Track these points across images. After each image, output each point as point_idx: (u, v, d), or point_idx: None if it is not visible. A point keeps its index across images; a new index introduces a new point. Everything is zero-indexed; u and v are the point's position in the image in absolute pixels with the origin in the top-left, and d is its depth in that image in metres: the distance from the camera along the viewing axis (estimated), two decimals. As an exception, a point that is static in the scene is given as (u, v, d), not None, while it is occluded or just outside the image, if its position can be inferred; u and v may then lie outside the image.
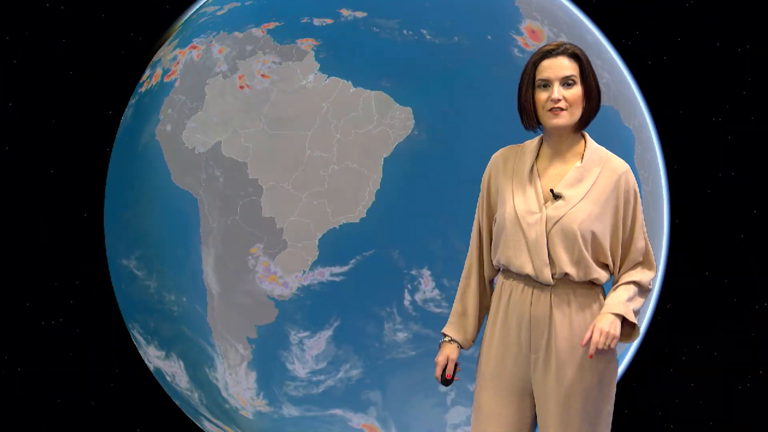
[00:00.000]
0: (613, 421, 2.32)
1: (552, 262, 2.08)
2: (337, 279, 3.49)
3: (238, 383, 3.66)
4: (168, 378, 3.90)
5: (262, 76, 3.60)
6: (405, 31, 3.55)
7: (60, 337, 4.17)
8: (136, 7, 4.20)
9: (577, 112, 2.11)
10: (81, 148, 4.20)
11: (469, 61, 3.59)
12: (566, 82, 2.08)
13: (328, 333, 3.55)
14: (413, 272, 3.43)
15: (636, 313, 2.09)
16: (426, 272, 3.42)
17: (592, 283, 2.14)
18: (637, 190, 2.15)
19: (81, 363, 4.16)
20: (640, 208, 2.14)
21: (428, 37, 3.56)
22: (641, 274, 2.14)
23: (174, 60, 3.94)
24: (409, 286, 3.47)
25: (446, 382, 2.33)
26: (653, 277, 2.16)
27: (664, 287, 4.26)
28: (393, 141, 3.48)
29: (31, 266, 4.19)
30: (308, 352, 3.55)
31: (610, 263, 2.14)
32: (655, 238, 4.13)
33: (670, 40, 4.33)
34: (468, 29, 3.61)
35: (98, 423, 4.24)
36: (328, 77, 3.54)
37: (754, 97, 4.33)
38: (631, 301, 2.07)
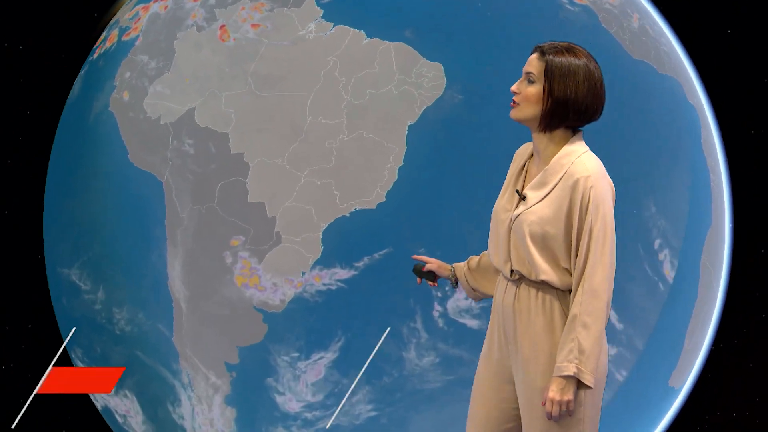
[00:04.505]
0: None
1: (510, 259, 2.30)
2: (344, 284, 3.39)
3: (211, 423, 3.54)
4: (119, 419, 3.74)
5: (250, 26, 3.50)
6: (433, -29, 3.64)
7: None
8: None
9: (528, 110, 2.26)
10: (21, 132, 4.10)
11: (510, 9, 3.55)
12: (528, 78, 2.26)
13: (330, 356, 3.45)
14: (445, 274, 3.14)
15: (592, 354, 2.19)
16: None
17: (549, 285, 2.26)
18: (601, 201, 2.22)
19: (7, 400, 3.94)
20: (600, 221, 2.21)
21: (463, -22, 3.66)
22: (578, 306, 2.21)
23: (135, 17, 3.80)
24: (438, 293, 3.39)
25: (418, 271, 2.57)
26: (597, 307, 2.20)
27: (730, 286, 4.20)
28: (419, 105, 3.41)
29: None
30: (304, 380, 3.45)
31: (570, 269, 2.26)
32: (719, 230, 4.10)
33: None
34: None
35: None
36: (334, 26, 3.45)
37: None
38: (582, 351, 2.18)
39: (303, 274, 3.39)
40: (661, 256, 3.62)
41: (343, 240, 3.39)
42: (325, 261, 3.39)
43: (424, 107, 3.41)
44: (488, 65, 3.45)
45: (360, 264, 3.39)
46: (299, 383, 3.44)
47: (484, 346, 2.42)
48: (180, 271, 3.50)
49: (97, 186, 3.63)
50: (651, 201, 3.58)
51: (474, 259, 2.54)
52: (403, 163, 3.39)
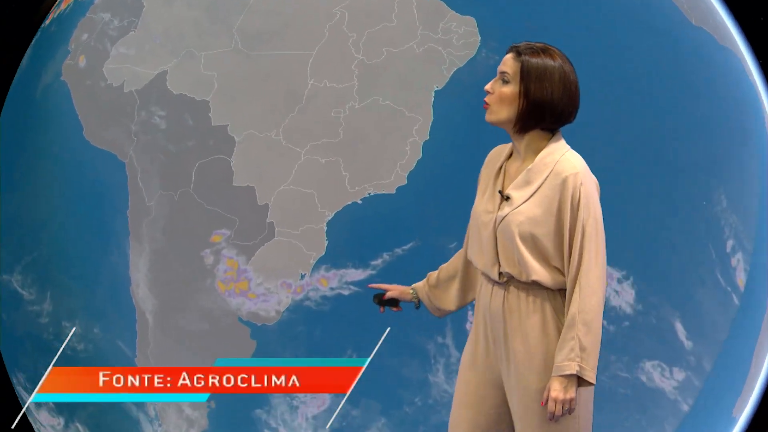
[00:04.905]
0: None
1: (499, 261, 2.45)
2: (357, 288, 3.26)
3: (184, 467, 3.44)
4: (69, 461, 3.58)
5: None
6: None
7: None
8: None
9: (503, 111, 2.39)
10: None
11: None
12: (502, 78, 2.40)
13: (337, 380, 3.37)
14: (481, 276, 3.15)
15: (593, 351, 2.36)
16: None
17: (540, 285, 2.42)
18: (591, 198, 2.39)
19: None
20: (591, 218, 2.37)
21: None
22: (576, 304, 2.38)
23: (95, -26, 3.76)
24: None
25: (378, 299, 2.66)
26: (595, 304, 2.37)
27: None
28: (448, 66, 3.31)
29: None
30: (303, 413, 3.33)
31: (562, 267, 2.40)
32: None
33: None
34: None
35: None
36: (342, -31, 3.52)
37: None
38: (584, 349, 2.35)
39: (303, 276, 3.28)
40: (733, 261, 3.42)
41: (354, 233, 3.27)
42: (332, 259, 3.28)
43: (454, 69, 3.31)
44: (528, 20, 3.34)
45: (377, 262, 3.27)
46: (297, 416, 3.31)
47: (467, 353, 2.55)
48: (146, 273, 3.39)
49: (44, 170, 3.46)
50: (722, 192, 3.35)
51: (433, 275, 2.69)
52: (428, 137, 3.28)
